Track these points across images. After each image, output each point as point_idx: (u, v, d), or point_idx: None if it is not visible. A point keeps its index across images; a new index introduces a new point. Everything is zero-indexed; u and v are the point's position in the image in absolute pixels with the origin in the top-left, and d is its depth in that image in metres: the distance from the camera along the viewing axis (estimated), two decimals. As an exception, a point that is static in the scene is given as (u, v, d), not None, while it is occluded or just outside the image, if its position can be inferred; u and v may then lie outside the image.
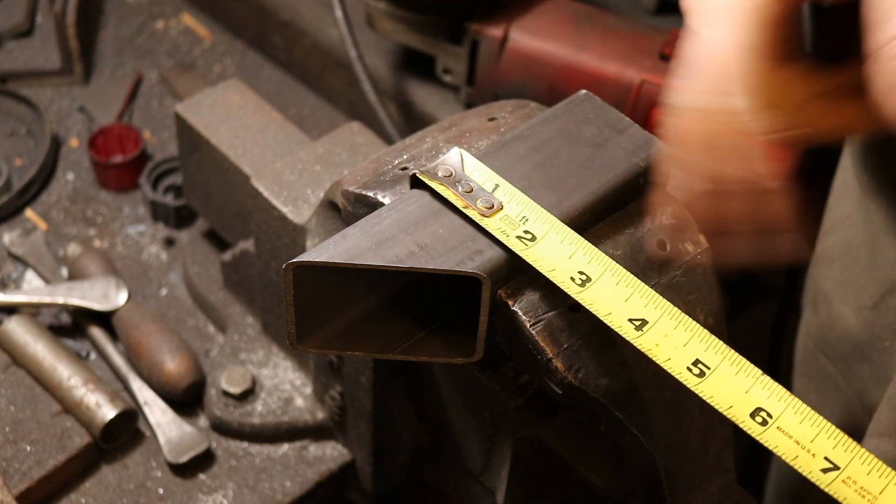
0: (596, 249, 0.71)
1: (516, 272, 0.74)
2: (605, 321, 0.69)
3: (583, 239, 0.72)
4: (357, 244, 0.72)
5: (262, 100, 1.15)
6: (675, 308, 0.68)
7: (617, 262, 0.71)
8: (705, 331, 0.67)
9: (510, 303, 0.73)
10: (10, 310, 1.16)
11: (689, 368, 0.66)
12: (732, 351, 0.67)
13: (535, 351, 0.73)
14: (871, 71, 0.63)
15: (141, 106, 1.41)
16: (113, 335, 1.16)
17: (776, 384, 0.65)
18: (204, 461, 1.09)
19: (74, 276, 1.20)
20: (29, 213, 1.29)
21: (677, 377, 0.66)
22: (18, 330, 1.11)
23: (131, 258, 1.25)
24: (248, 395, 1.10)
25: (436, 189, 0.76)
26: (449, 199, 0.75)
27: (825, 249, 1.19)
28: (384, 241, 0.72)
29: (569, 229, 0.73)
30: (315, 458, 1.10)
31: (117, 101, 1.40)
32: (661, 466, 0.78)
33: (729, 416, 0.65)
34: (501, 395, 0.88)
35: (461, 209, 0.74)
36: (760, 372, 0.66)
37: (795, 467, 0.63)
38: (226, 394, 1.10)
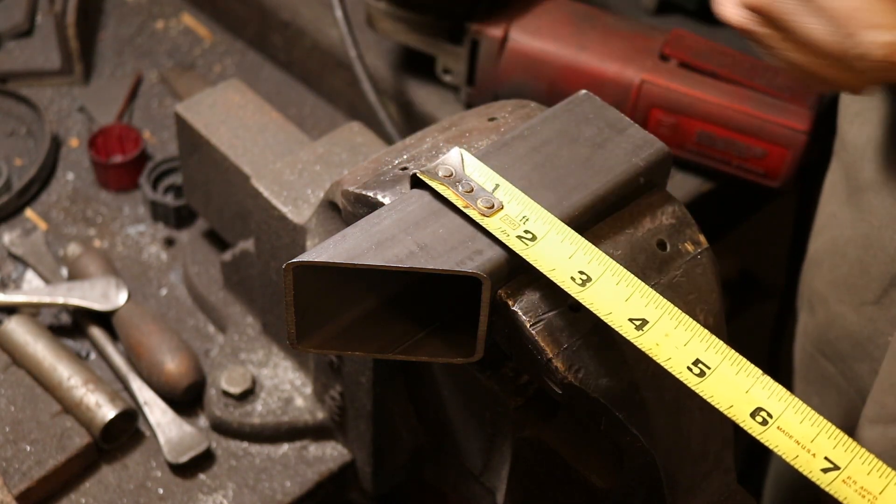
0: (596, 249, 0.71)
1: (516, 272, 0.74)
2: (605, 320, 0.69)
3: (583, 239, 0.72)
4: (357, 244, 0.72)
5: (262, 100, 1.15)
6: (676, 308, 0.68)
7: (617, 262, 0.71)
8: (706, 330, 0.67)
9: (510, 303, 0.73)
10: (10, 310, 1.16)
11: (689, 368, 0.66)
12: (733, 351, 0.67)
13: (535, 351, 0.73)
14: None
15: (141, 106, 1.41)
16: (113, 335, 1.16)
17: (776, 384, 0.65)
18: (204, 461, 1.09)
19: (74, 276, 1.20)
20: (29, 213, 1.29)
21: (678, 376, 0.66)
22: (18, 330, 1.11)
23: (131, 258, 1.25)
24: (248, 395, 1.10)
25: (436, 189, 0.76)
26: (449, 198, 0.75)
27: (815, 250, 1.19)
28: (384, 241, 0.72)
29: (569, 229, 0.73)
30: (315, 458, 1.10)
31: (117, 101, 1.40)
32: (661, 466, 0.78)
33: (729, 416, 0.65)
34: (501, 395, 0.88)
35: (461, 209, 0.74)
36: (761, 372, 0.66)
37: (796, 467, 0.63)
38: (226, 394, 1.10)
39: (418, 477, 1.11)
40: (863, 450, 0.63)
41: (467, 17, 1.25)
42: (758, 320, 1.62)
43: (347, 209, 0.83)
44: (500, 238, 0.73)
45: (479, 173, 0.76)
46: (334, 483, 1.10)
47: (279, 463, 1.10)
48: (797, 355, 1.27)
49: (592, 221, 0.77)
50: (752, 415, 0.64)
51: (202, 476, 1.09)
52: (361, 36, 1.28)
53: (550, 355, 0.73)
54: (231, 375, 1.10)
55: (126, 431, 1.08)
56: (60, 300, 1.15)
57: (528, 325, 0.73)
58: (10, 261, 1.24)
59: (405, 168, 0.82)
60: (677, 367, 0.66)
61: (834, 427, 0.64)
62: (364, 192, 0.81)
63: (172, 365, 1.11)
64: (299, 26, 1.40)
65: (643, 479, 0.80)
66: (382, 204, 0.79)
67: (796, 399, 0.65)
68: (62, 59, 1.40)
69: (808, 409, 0.64)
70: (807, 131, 1.19)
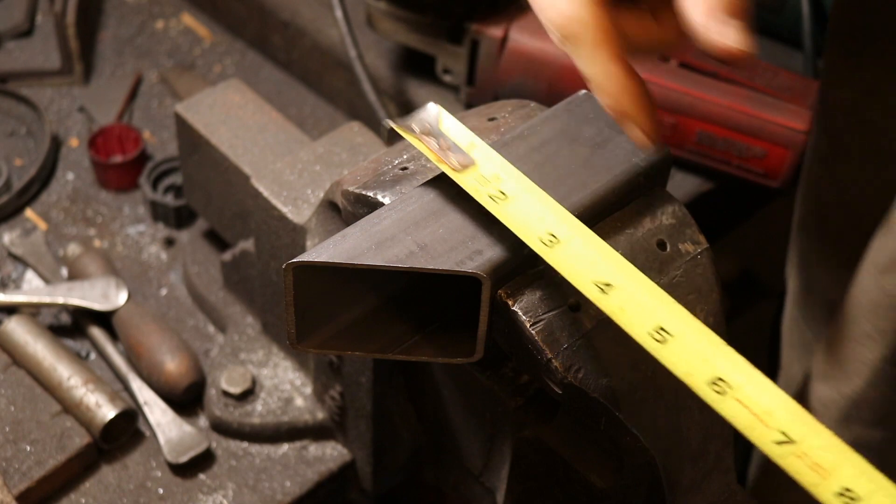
0: (567, 213, 0.71)
1: (516, 272, 0.74)
2: (569, 281, 0.68)
3: (555, 202, 0.72)
4: (357, 244, 0.72)
5: (262, 100, 1.15)
6: (642, 275, 0.68)
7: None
8: (671, 298, 0.67)
9: (510, 303, 0.73)
10: (10, 310, 1.16)
11: (650, 334, 0.65)
12: (697, 321, 0.66)
13: (535, 351, 0.73)
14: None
15: (141, 106, 1.41)
16: (113, 335, 1.16)
17: (739, 356, 0.64)
18: (204, 461, 1.09)
19: (74, 276, 1.20)
20: (29, 213, 1.29)
21: (638, 340, 0.65)
22: (18, 330, 1.11)
23: (131, 258, 1.25)
24: (248, 395, 1.10)
25: (410, 141, 0.76)
26: (422, 151, 0.75)
27: (802, 216, 1.20)
28: (384, 241, 0.72)
29: (541, 191, 0.72)
30: (315, 458, 1.10)
31: (117, 101, 1.40)
32: (661, 466, 0.78)
33: (686, 383, 0.64)
34: (501, 395, 0.88)
35: (434, 162, 0.74)
36: (723, 342, 0.65)
37: (750, 438, 0.62)
38: (226, 394, 1.10)
39: (418, 477, 1.11)
40: (820, 426, 0.62)
41: (467, 17, 1.25)
42: (758, 320, 1.62)
43: (347, 209, 0.83)
44: (472, 194, 0.72)
45: (455, 130, 0.76)
46: (334, 483, 1.10)
47: (279, 463, 1.10)
48: (785, 323, 1.28)
49: (592, 221, 0.77)
50: (711, 384, 0.63)
51: (202, 476, 1.09)
52: (361, 36, 1.28)
53: (550, 355, 0.73)
54: (231, 375, 1.11)
55: (126, 431, 1.08)
56: (60, 300, 1.15)
57: (528, 325, 0.73)
58: (10, 261, 1.24)
59: (405, 168, 0.82)
60: (639, 331, 0.65)
61: (795, 403, 0.62)
62: (364, 192, 0.81)
63: (172, 365, 1.11)
64: (299, 26, 1.40)
65: (643, 478, 0.80)
66: (382, 204, 0.79)
67: (758, 372, 0.63)
68: (62, 59, 1.40)
69: (770, 383, 0.63)
70: (807, 131, 1.19)
